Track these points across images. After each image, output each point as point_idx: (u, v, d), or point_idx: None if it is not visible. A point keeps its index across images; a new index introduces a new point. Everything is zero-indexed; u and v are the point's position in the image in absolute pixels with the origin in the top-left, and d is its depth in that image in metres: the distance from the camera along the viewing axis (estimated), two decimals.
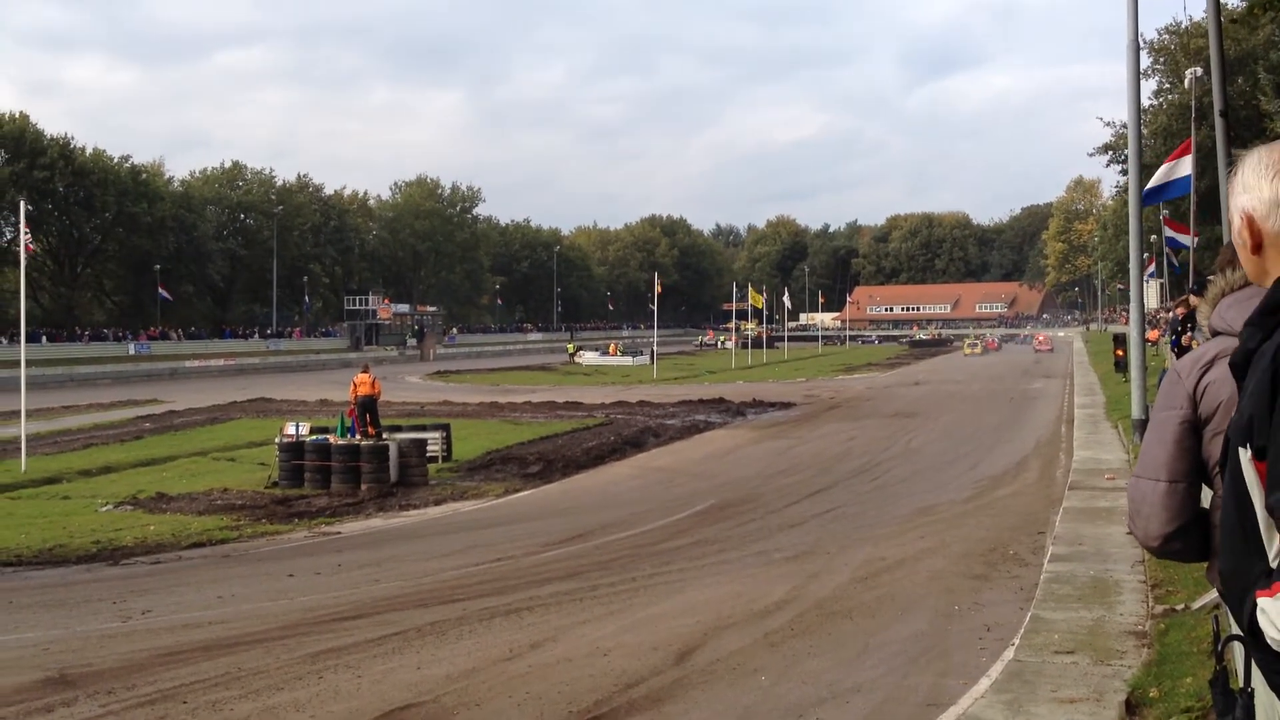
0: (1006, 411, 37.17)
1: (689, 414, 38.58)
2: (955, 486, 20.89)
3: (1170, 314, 23.68)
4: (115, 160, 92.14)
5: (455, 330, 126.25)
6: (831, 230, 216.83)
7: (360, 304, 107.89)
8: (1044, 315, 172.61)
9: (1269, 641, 2.21)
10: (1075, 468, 20.25)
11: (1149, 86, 45.38)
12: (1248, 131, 37.45)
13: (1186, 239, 27.97)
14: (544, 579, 13.43)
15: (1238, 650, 2.69)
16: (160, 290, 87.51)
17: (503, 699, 8.63)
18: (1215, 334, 3.00)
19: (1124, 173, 45.65)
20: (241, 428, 36.38)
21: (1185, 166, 21.27)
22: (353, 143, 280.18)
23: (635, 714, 8.22)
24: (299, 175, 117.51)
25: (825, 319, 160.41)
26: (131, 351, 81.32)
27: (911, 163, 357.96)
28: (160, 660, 10.03)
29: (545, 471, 24.80)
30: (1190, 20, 41.98)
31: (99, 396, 53.28)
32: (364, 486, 22.29)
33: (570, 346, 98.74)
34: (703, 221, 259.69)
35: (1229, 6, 37.12)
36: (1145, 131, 37.55)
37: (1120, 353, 39.02)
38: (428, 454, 24.80)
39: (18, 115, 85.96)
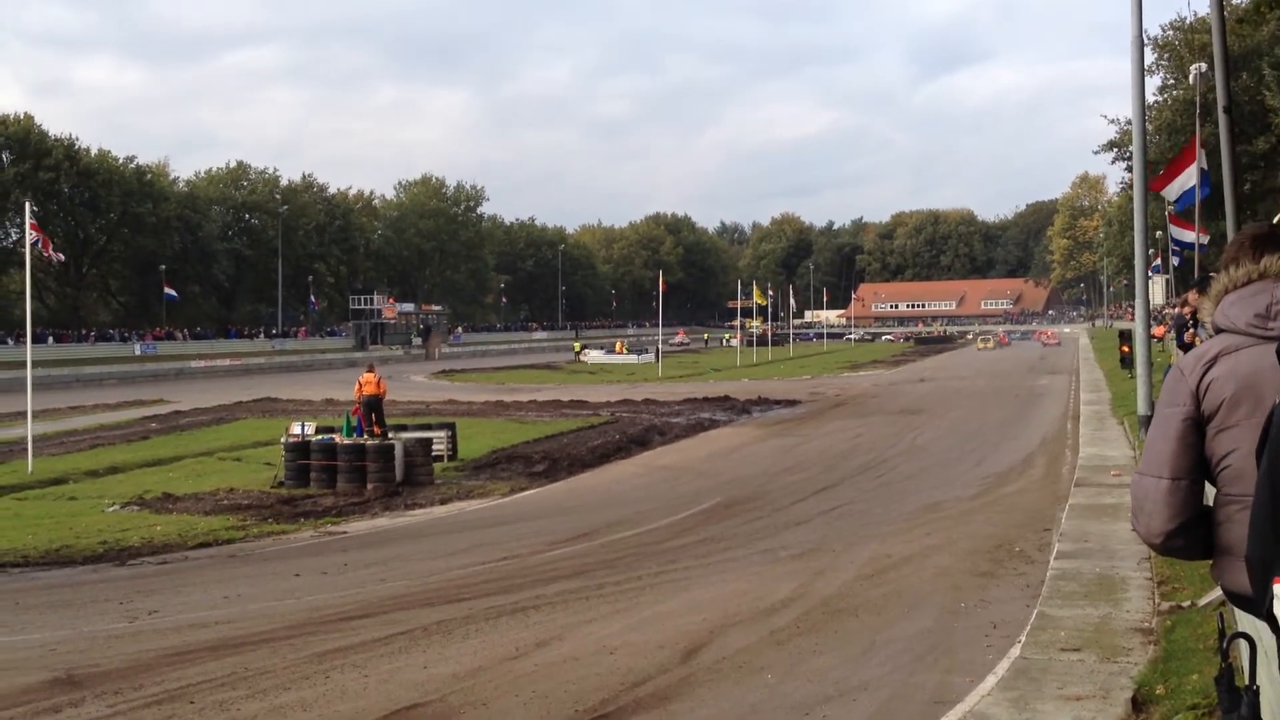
0: (1012, 408, 37.13)
1: (694, 412, 38.59)
2: (961, 483, 20.87)
3: (1175, 310, 23.65)
4: (120, 161, 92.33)
5: (460, 329, 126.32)
6: (836, 227, 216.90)
7: (365, 303, 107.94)
8: (1049, 311, 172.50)
9: None
10: (1081, 464, 20.22)
11: (1153, 83, 45.37)
12: (1253, 127, 37.44)
13: (1190, 236, 27.90)
14: (550, 578, 13.43)
15: (1243, 647, 2.70)
16: (166, 290, 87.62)
17: (509, 698, 8.63)
18: (1218, 331, 3.01)
19: (1129, 169, 45.64)
20: (247, 428, 36.42)
21: (1193, 176, 21.24)
22: (359, 142, 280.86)
23: (642, 712, 8.22)
24: (303, 175, 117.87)
25: (830, 316, 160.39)
26: (137, 352, 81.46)
27: (917, 159, 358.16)
28: (167, 660, 10.05)
29: (551, 470, 24.81)
30: (1194, 16, 41.96)
31: (105, 397, 53.38)
32: (370, 486, 22.31)
33: (577, 345, 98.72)
34: (707, 219, 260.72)
35: (1234, 3, 37.12)
36: (1150, 128, 37.46)
37: (1126, 349, 38.95)
38: (433, 453, 24.81)
39: (23, 116, 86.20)
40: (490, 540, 16.83)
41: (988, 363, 71.96)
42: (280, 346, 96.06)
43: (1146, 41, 33.51)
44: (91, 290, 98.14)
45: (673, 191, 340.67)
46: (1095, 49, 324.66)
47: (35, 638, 11.34)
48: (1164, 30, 45.22)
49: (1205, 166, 21.49)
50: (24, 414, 28.54)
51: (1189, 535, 2.93)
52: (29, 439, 26.71)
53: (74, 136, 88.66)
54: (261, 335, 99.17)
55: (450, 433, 27.18)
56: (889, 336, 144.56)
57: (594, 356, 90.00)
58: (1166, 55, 44.61)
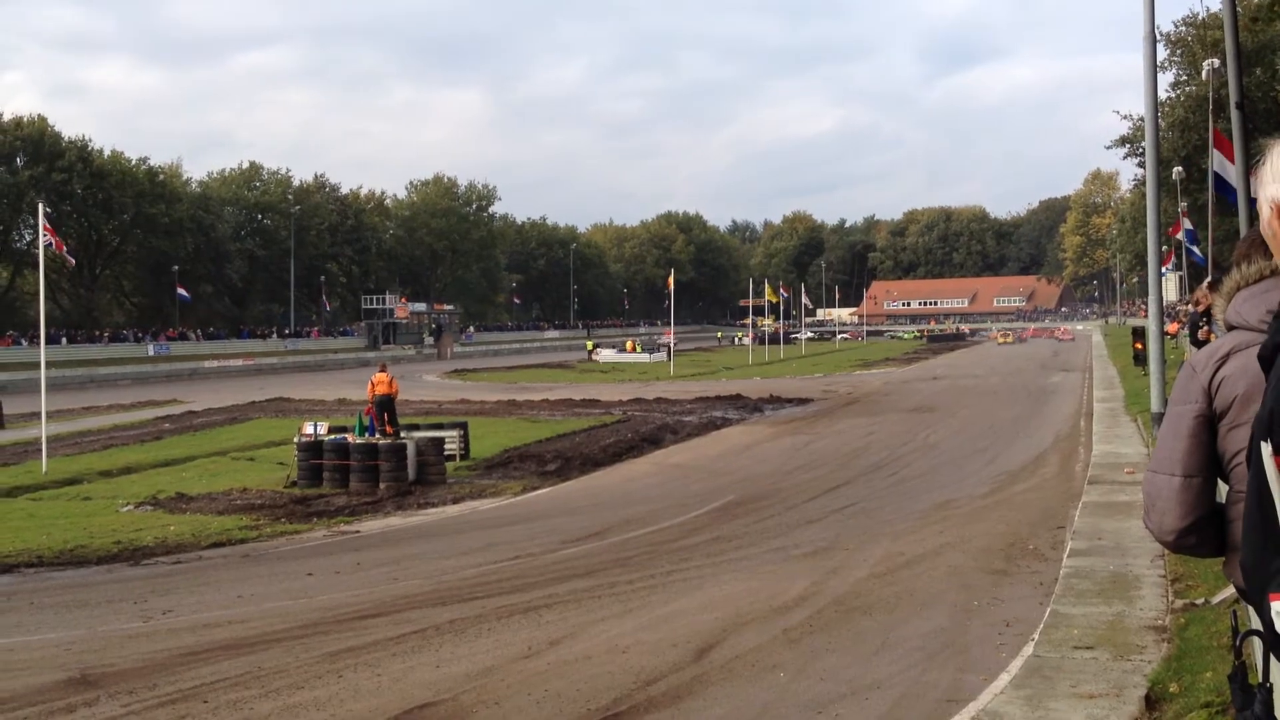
0: (1025, 406, 37.05)
1: (706, 410, 38.57)
2: (974, 481, 20.84)
3: (1189, 307, 23.58)
4: (133, 162, 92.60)
5: (472, 328, 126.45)
6: (848, 225, 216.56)
7: (377, 303, 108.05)
8: (1062, 309, 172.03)
9: None
10: (1094, 462, 20.17)
11: (1166, 79, 45.16)
12: (1267, 123, 37.26)
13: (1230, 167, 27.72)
14: (562, 576, 13.45)
15: (1257, 645, 2.69)
16: (179, 290, 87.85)
17: (522, 697, 8.65)
18: (1231, 328, 2.99)
19: (1141, 165, 45.45)
20: (260, 427, 36.50)
21: (1225, 168, 21.04)
22: (373, 143, 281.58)
23: (654, 711, 8.23)
24: (316, 175, 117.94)
25: (842, 314, 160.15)
26: (151, 352, 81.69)
27: (929, 157, 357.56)
28: (181, 660, 10.08)
29: (563, 469, 24.82)
30: (1207, 12, 41.78)
31: (119, 397, 53.55)
32: (382, 485, 22.34)
33: (589, 344, 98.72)
34: (719, 218, 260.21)
35: (1248, 1, 36.97)
36: (1163, 124, 37.33)
37: (1139, 346, 38.83)
38: (445, 452, 24.84)
39: (36, 118, 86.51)
40: (502, 539, 16.85)
41: (1001, 360, 71.83)
42: (293, 346, 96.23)
43: (1159, 37, 33.43)
44: (105, 291, 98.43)
45: (685, 190, 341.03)
46: (1108, 45, 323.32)
47: (50, 637, 11.39)
48: (1177, 26, 45.01)
49: (1218, 167, 21.38)
50: (38, 415, 28.65)
51: (1201, 533, 2.92)
52: (43, 439, 26.81)
53: (87, 138, 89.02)
54: (274, 335, 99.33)
55: (462, 432, 27.21)
56: (893, 334, 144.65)
57: (606, 355, 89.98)
58: (1179, 51, 44.41)
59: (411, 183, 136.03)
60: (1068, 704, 7.28)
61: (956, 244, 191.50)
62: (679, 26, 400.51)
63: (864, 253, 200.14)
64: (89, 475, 25.32)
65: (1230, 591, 8.25)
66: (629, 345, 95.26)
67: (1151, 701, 7.10)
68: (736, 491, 20.74)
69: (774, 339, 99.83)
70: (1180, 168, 39.85)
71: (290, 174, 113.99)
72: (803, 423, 34.50)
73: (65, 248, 29.91)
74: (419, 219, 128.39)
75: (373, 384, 25.76)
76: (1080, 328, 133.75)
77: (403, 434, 24.62)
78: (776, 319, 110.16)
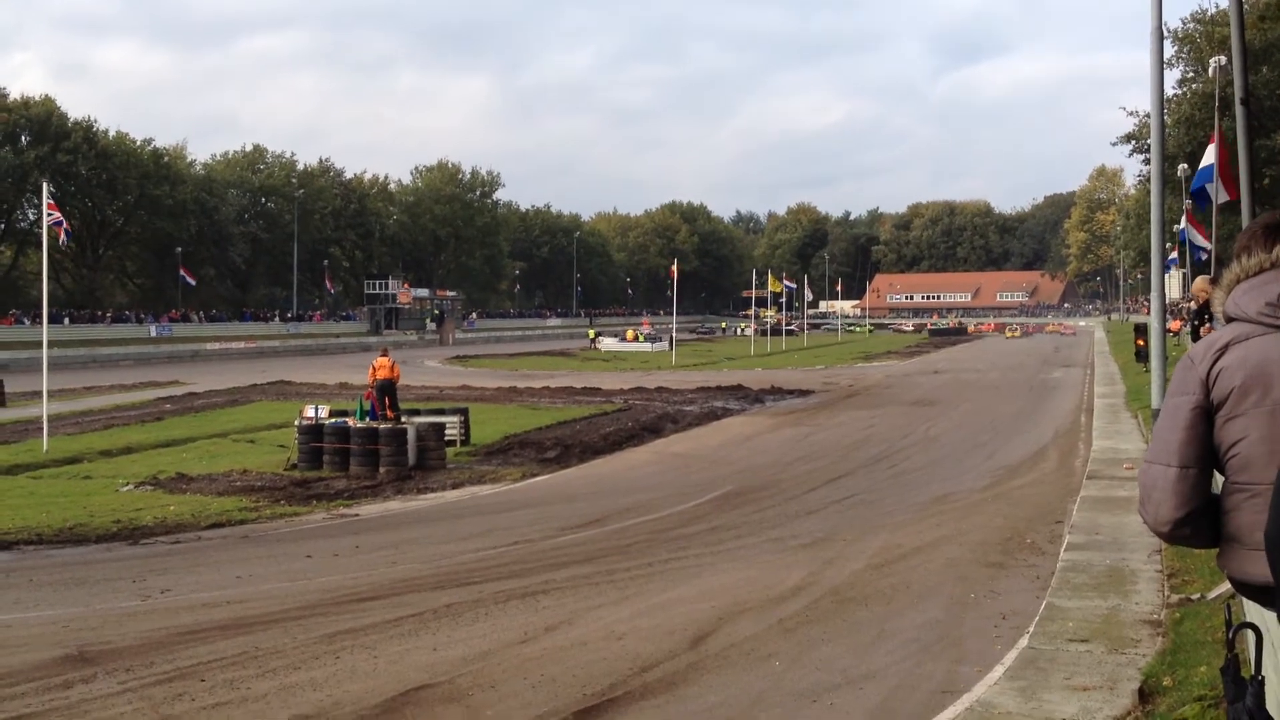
0: (1026, 401, 37.08)
1: (707, 400, 38.58)
2: (973, 475, 20.86)
3: (1190, 304, 23.57)
4: (138, 143, 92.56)
5: (474, 315, 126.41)
6: (852, 218, 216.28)
7: (380, 288, 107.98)
8: (1065, 304, 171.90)
9: None
10: (1094, 457, 20.20)
11: (1173, 75, 45.01)
12: (1272, 121, 37.20)
13: (1202, 241, 27.75)
14: (560, 563, 13.48)
15: (1250, 638, 2.70)
16: (182, 273, 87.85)
17: (517, 680, 8.67)
18: (1229, 320, 3.00)
19: (1146, 162, 45.35)
20: (261, 410, 36.54)
21: (1209, 156, 21.06)
22: (380, 129, 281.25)
23: (649, 697, 8.26)
24: (320, 159, 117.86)
25: (845, 306, 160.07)
26: (153, 333, 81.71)
27: (935, 151, 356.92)
28: (179, 639, 10.11)
29: (563, 456, 24.84)
30: (1215, 8, 41.66)
31: (121, 378, 53.57)
32: (382, 469, 22.36)
33: (591, 332, 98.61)
34: (723, 208, 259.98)
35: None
36: (1168, 121, 37.24)
37: (1141, 342, 38.87)
38: (446, 438, 24.85)
39: (43, 98, 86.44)
40: (501, 525, 16.88)
41: (1002, 355, 71.85)
42: (295, 330, 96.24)
43: (1166, 34, 33.34)
44: (108, 272, 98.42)
45: (690, 181, 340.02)
46: (1116, 41, 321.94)
47: (48, 614, 11.42)
48: (1185, 23, 44.85)
49: (1211, 161, 21.34)
50: (40, 393, 28.67)
51: (1196, 524, 2.93)
52: (44, 418, 26.84)
53: (93, 119, 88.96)
54: (276, 319, 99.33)
55: (463, 418, 27.23)
56: (895, 327, 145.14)
57: (608, 344, 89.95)
58: (1186, 48, 44.28)
59: (416, 168, 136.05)
60: (1061, 696, 7.31)
61: (960, 238, 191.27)
62: (687, 15, 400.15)
63: (868, 246, 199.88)
64: (89, 454, 25.35)
65: (1227, 587, 8.27)
66: (628, 334, 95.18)
67: (1145, 694, 7.13)
68: (736, 481, 20.77)
69: (775, 331, 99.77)
70: (1185, 165, 39.72)
71: (294, 158, 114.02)
72: (803, 414, 34.52)
73: (68, 229, 29.83)
74: (423, 205, 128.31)
75: (374, 368, 25.77)
76: (1083, 324, 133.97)
77: (403, 419, 24.64)
78: (779, 311, 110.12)
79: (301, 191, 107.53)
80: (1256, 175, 19.85)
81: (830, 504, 18.03)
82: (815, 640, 9.80)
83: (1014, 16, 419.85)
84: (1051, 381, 46.04)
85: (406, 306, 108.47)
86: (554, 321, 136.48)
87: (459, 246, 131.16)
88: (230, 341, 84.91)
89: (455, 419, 26.79)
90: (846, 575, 12.39)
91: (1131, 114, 50.24)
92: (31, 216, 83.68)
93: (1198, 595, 9.36)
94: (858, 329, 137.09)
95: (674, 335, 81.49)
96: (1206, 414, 2.91)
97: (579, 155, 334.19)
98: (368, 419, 23.84)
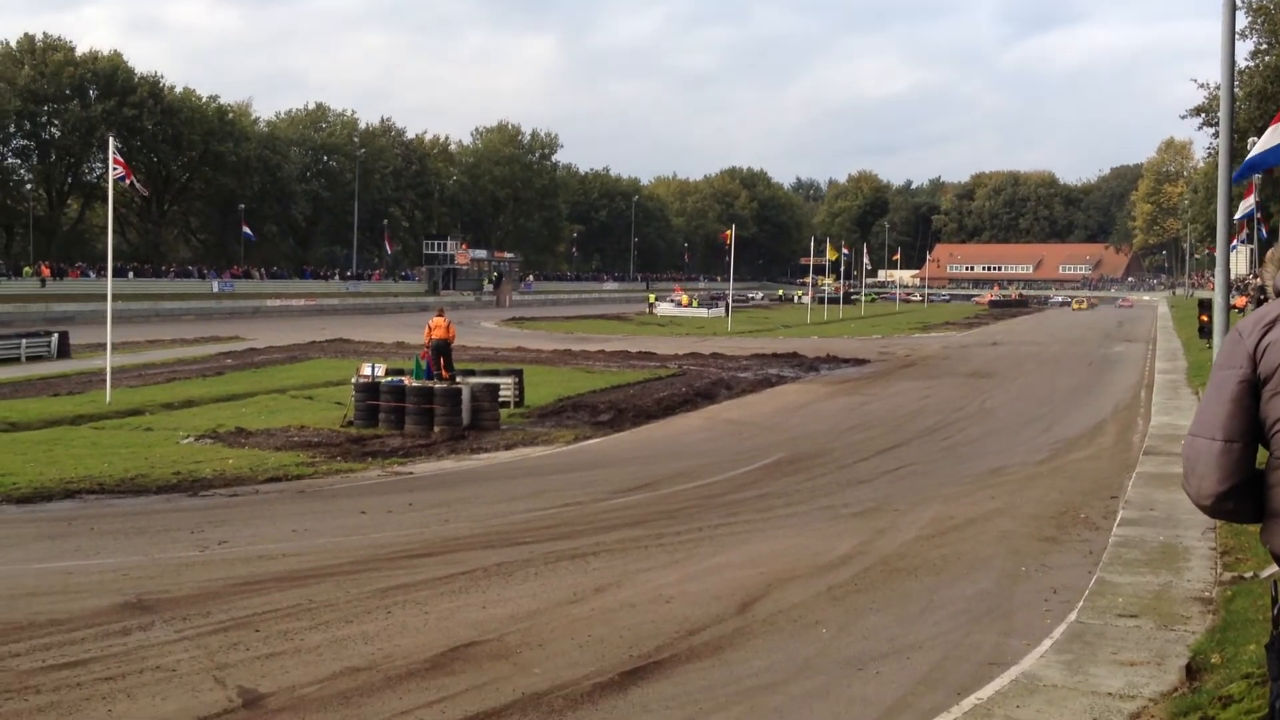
0: (1085, 375, 36.66)
1: (762, 367, 38.50)
2: (1029, 448, 20.70)
3: (1256, 280, 23.16)
4: (203, 100, 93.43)
5: (531, 277, 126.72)
6: (914, 186, 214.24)
7: (439, 248, 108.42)
8: (1129, 279, 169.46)
9: None
10: (1152, 432, 19.98)
11: (1245, 47, 44.03)
12: None
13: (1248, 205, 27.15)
14: (610, 525, 13.55)
15: None
16: (245, 230, 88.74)
17: (565, 640, 8.75)
18: (1278, 295, 2.96)
19: (1216, 135, 44.48)
20: (319, 367, 36.93)
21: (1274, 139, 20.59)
22: (446, 89, 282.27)
23: (696, 660, 8.31)
24: (382, 118, 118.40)
25: (904, 276, 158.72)
26: (215, 289, 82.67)
27: (1002, 120, 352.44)
28: (235, 589, 10.29)
29: (616, 420, 24.91)
30: None
31: (183, 332, 54.35)
32: (437, 429, 22.55)
33: (651, 296, 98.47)
34: (783, 175, 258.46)
35: None
36: (1239, 93, 36.48)
37: (1205, 318, 38.22)
38: (500, 399, 24.98)
39: (111, 53, 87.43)
40: (553, 487, 16.99)
41: (1063, 328, 71.01)
42: (354, 289, 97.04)
43: (1240, 4, 32.61)
44: (172, 227, 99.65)
45: (751, 147, 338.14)
46: (1189, 10, 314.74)
47: (109, 562, 11.66)
48: None
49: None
50: (104, 346, 29.16)
51: (1239, 498, 2.90)
52: (108, 370, 27.31)
53: (159, 74, 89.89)
54: (336, 277, 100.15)
55: (517, 379, 27.35)
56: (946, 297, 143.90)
57: (664, 309, 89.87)
58: (1261, 20, 43.30)
59: (476, 129, 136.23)
60: (1108, 670, 7.27)
61: (1023, 209, 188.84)
62: None
63: (928, 215, 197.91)
64: (151, 407, 25.75)
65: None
66: (684, 299, 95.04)
67: (1192, 671, 7.08)
68: (788, 449, 20.74)
69: (834, 299, 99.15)
70: (1255, 138, 38.97)
71: (356, 116, 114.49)
72: (858, 383, 34.36)
73: (136, 179, 30.22)
74: (482, 166, 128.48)
75: (430, 328, 25.92)
76: (1146, 298, 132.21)
77: (458, 379, 24.79)
78: (838, 279, 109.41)
79: (363, 151, 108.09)
80: None
81: (882, 474, 17.96)
82: (864, 609, 9.80)
83: None
84: (1113, 356, 45.46)
85: (464, 267, 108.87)
86: (610, 285, 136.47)
87: (517, 208, 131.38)
88: (290, 299, 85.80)
89: (510, 380, 26.92)
90: (897, 545, 12.36)
91: (1202, 86, 49.22)
92: (98, 170, 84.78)
93: (1250, 573, 9.26)
94: (922, 302, 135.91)
95: (730, 301, 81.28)
96: (1253, 388, 2.88)
97: (640, 119, 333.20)
98: (423, 378, 24.02)
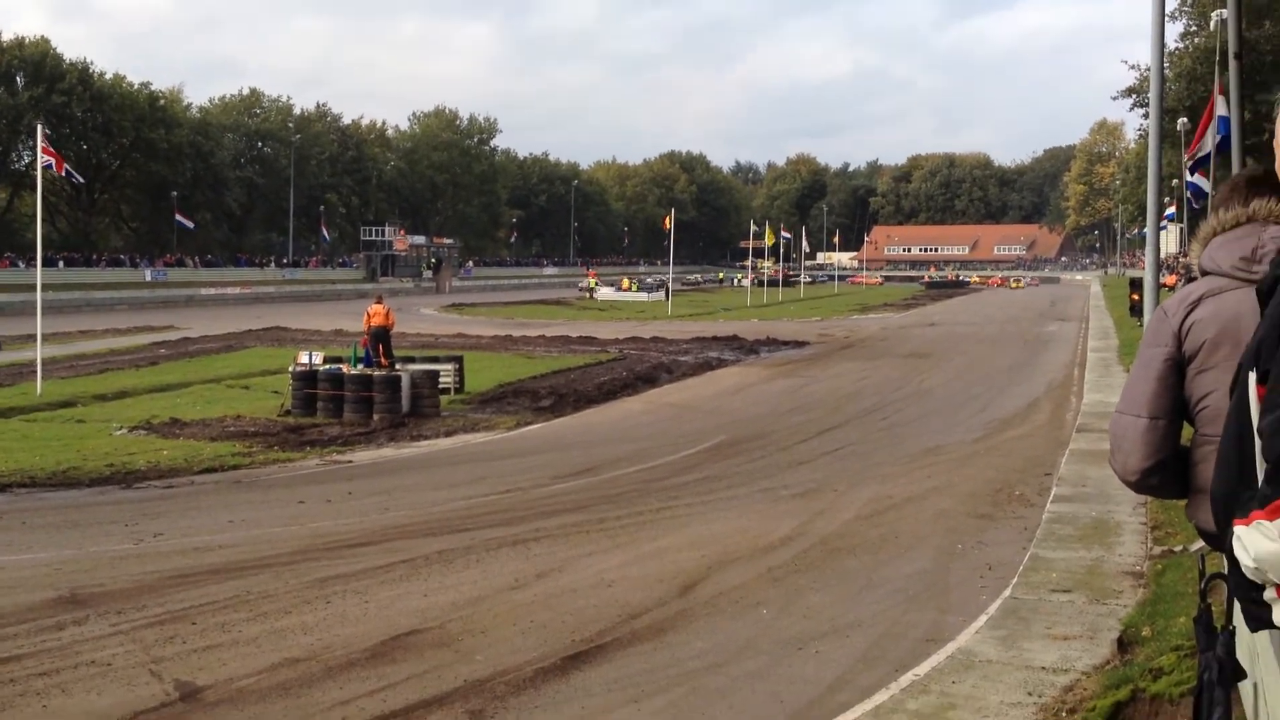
0: (1020, 354, 37.13)
1: (702, 351, 38.59)
2: (965, 427, 20.93)
3: (1186, 260, 23.53)
4: (134, 86, 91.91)
5: (471, 263, 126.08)
6: (851, 169, 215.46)
7: (376, 235, 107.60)
8: (1062, 258, 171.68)
9: (1244, 569, 2.24)
10: (1084, 410, 20.29)
11: (1175, 29, 44.63)
12: (1274, 76, 36.95)
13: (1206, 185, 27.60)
14: (552, 511, 13.54)
15: (1223, 589, 2.73)
16: (178, 217, 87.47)
17: (507, 626, 8.75)
18: (1204, 273, 3.01)
19: (1146, 116, 45.09)
20: (256, 356, 36.55)
21: (1220, 108, 20.91)
22: (383, 75, 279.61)
23: (638, 644, 8.34)
24: (317, 104, 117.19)
25: (843, 258, 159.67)
26: (148, 278, 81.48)
27: (939, 102, 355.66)
28: (171, 582, 10.18)
29: (557, 405, 24.88)
30: None
31: (115, 322, 53.51)
32: (376, 416, 22.41)
33: (591, 281, 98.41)
34: (722, 158, 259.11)
35: None
36: (1169, 74, 36.98)
37: (1136, 297, 38.86)
38: (440, 385, 24.89)
39: (39, 39, 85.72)
40: (494, 473, 16.94)
41: (998, 308, 71.86)
42: (291, 276, 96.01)
43: None
44: (103, 215, 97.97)
45: (693, 130, 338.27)
46: None
47: (41, 557, 11.48)
48: None
49: (1225, 113, 21.22)
50: (34, 337, 28.65)
51: (1164, 474, 2.96)
52: (38, 362, 26.82)
53: (89, 61, 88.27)
54: (272, 264, 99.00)
55: (458, 365, 27.23)
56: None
57: (604, 293, 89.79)
58: (1190, 2, 43.92)
59: (414, 114, 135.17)
60: (1041, 645, 7.39)
61: (959, 191, 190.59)
62: None
63: (866, 197, 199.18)
64: (83, 398, 25.35)
65: None
66: (623, 283, 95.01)
67: (1124, 644, 7.21)
68: (729, 432, 20.82)
69: (773, 282, 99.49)
70: (1185, 119, 39.53)
71: (291, 102, 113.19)
72: (798, 365, 34.56)
73: (66, 167, 29.70)
74: (420, 151, 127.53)
75: (369, 315, 25.76)
76: (1080, 278, 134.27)
77: (398, 366, 24.66)
78: (776, 261, 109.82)
79: (298, 136, 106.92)
80: (1256, 129, 19.76)
81: (822, 455, 18.10)
82: (804, 589, 9.87)
83: None
84: (1046, 335, 46.07)
85: (403, 254, 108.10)
86: (551, 270, 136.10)
87: (456, 194, 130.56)
88: (225, 287, 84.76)
89: (450, 367, 26.81)
90: (836, 525, 12.46)
91: (1133, 67, 49.85)
92: (27, 159, 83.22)
93: (1180, 547, 9.44)
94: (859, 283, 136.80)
95: (670, 285, 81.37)
96: (1178, 366, 2.94)
97: (580, 103, 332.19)
98: (362, 366, 23.86)
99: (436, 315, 63.70)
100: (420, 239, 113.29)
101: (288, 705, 7.12)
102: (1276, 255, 2.49)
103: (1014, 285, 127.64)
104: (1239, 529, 2.19)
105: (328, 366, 23.73)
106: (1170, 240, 43.63)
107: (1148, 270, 22.12)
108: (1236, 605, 2.66)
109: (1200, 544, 8.97)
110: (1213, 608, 2.64)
